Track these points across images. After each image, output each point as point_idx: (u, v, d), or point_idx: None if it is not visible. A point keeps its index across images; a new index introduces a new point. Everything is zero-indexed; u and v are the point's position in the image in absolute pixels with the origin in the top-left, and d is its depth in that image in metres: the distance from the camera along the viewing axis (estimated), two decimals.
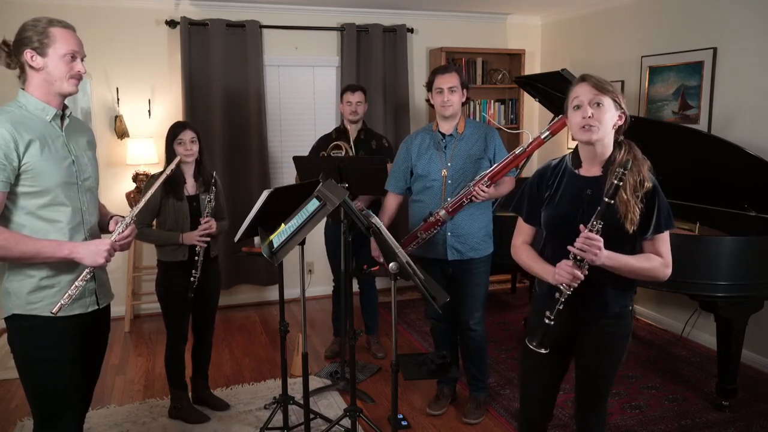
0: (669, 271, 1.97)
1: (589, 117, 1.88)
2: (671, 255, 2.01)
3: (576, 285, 1.89)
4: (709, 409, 3.29)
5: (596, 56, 5.04)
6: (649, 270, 1.94)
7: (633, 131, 3.84)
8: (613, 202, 1.83)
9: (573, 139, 2.03)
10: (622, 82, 4.73)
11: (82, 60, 1.96)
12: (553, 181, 2.05)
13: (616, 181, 1.81)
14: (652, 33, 4.48)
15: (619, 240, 1.91)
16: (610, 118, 1.91)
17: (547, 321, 1.92)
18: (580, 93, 1.92)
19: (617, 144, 1.97)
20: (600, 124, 1.89)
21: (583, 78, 1.95)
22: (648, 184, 1.91)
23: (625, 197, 1.86)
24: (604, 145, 1.95)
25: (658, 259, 1.95)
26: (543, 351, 1.95)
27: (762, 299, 3.18)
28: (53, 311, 1.86)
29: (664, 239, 1.97)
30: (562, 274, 1.89)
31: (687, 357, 3.99)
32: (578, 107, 1.92)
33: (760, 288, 3.09)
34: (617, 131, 1.97)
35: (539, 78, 4.04)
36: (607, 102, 1.91)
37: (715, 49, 3.96)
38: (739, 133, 3.78)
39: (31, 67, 1.89)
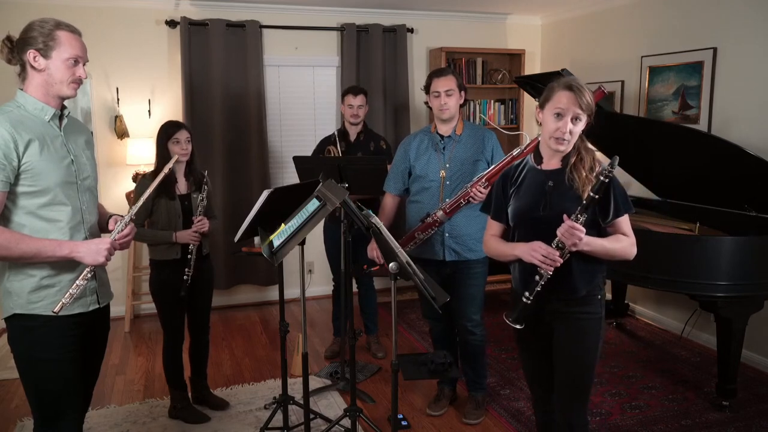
0: (635, 250, 2.09)
1: (569, 133, 2.02)
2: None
3: (555, 266, 1.99)
4: (709, 409, 3.29)
5: (596, 56, 5.04)
6: (620, 249, 2.05)
7: (633, 131, 3.86)
8: (599, 197, 1.95)
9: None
10: (622, 82, 4.73)
11: (84, 65, 1.96)
12: (517, 177, 2.21)
13: (602, 178, 1.93)
14: (652, 33, 4.48)
15: (587, 226, 2.01)
16: (581, 128, 2.05)
17: (524, 300, 2.05)
18: (564, 103, 2.01)
19: None
20: (573, 137, 2.04)
21: (570, 87, 2.01)
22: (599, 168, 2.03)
23: (584, 174, 2.02)
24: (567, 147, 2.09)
25: (626, 239, 2.07)
26: (518, 326, 2.08)
27: (762, 299, 3.18)
28: (55, 310, 1.86)
29: (625, 221, 2.08)
30: (536, 256, 2.00)
31: (687, 357, 3.99)
32: (559, 116, 2.02)
33: (760, 288, 3.08)
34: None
35: (539, 78, 4.04)
36: (584, 116, 2.03)
37: (715, 49, 3.96)
38: (739, 133, 3.78)
39: (32, 67, 1.89)
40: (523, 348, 2.32)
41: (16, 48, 1.90)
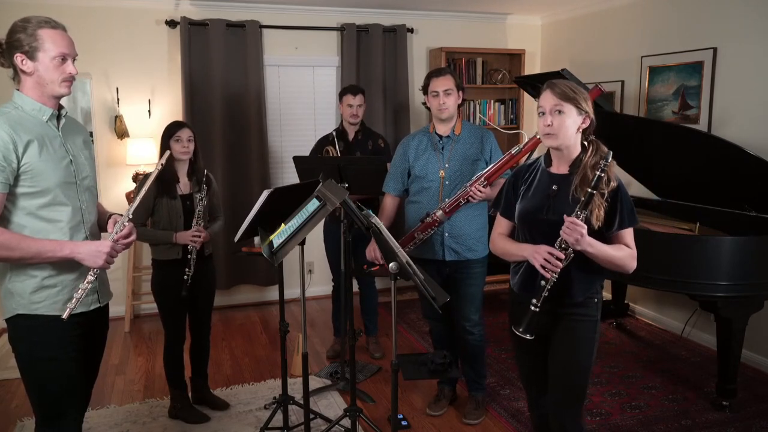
0: (635, 264, 2.08)
1: (549, 125, 2.03)
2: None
3: (559, 268, 1.98)
4: (709, 409, 3.29)
5: (596, 56, 5.04)
6: (621, 258, 2.04)
7: (633, 131, 3.86)
8: (595, 192, 1.95)
9: None
10: (622, 82, 4.73)
11: (73, 60, 1.94)
12: (528, 176, 2.20)
13: (598, 173, 1.94)
14: (652, 33, 4.48)
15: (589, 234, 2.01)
16: (571, 123, 2.03)
17: (532, 308, 2.02)
18: (544, 101, 2.06)
19: (585, 144, 2.09)
20: (560, 130, 2.03)
21: (548, 86, 2.07)
22: (613, 184, 2.02)
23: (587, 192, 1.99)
24: (569, 147, 2.08)
25: (627, 250, 2.06)
26: (528, 337, 2.04)
27: (762, 299, 3.18)
28: (63, 317, 1.86)
29: (629, 233, 2.08)
30: (538, 258, 2.00)
31: (687, 357, 3.99)
32: (542, 114, 2.06)
33: (760, 288, 3.08)
34: (584, 132, 2.08)
35: (539, 78, 4.04)
36: (568, 108, 2.02)
37: (715, 49, 3.96)
38: (739, 133, 3.77)
39: (22, 70, 1.89)
40: (518, 347, 2.30)
41: (5, 52, 1.89)
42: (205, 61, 4.70)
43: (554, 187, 2.08)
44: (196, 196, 3.09)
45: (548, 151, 2.17)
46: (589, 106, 2.05)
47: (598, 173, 1.93)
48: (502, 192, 2.28)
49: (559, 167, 2.12)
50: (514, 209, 2.20)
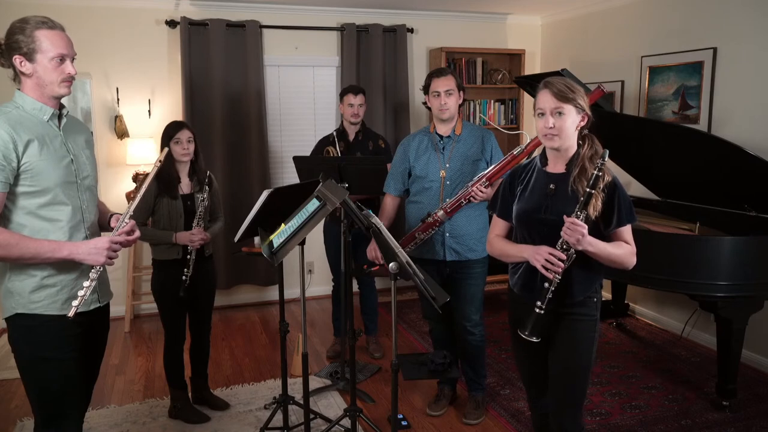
0: (635, 260, 2.08)
1: (551, 128, 2.02)
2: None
3: (561, 269, 1.98)
4: (709, 409, 3.29)
5: (596, 56, 5.04)
6: (621, 256, 2.04)
7: (633, 131, 3.86)
8: (594, 191, 1.94)
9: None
10: (622, 82, 4.73)
11: (72, 60, 1.94)
12: (524, 177, 2.19)
13: (596, 172, 1.94)
14: (652, 33, 4.48)
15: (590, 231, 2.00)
16: (571, 123, 2.03)
17: (537, 310, 2.02)
18: (543, 102, 2.04)
19: (580, 139, 2.09)
20: (561, 132, 2.02)
21: (546, 85, 2.05)
22: (608, 177, 2.02)
23: (586, 185, 1.98)
24: (567, 148, 2.07)
25: (627, 246, 2.07)
26: (535, 339, 2.05)
27: (762, 299, 3.18)
28: (69, 315, 1.86)
29: (627, 230, 2.08)
30: (539, 259, 2.00)
31: (687, 357, 3.99)
32: (541, 115, 2.04)
33: (760, 288, 3.08)
34: (581, 130, 2.08)
35: (539, 78, 4.02)
36: (568, 109, 2.01)
37: (715, 49, 3.96)
38: (739, 133, 3.77)
39: (21, 72, 1.89)
40: (518, 348, 2.29)
41: (4, 53, 1.89)
42: (205, 61, 4.70)
43: (551, 186, 2.08)
44: (197, 197, 3.09)
45: (544, 150, 2.16)
46: (586, 103, 2.05)
47: (596, 172, 1.93)
48: (498, 193, 2.27)
49: (556, 166, 2.11)
50: (511, 210, 2.20)
